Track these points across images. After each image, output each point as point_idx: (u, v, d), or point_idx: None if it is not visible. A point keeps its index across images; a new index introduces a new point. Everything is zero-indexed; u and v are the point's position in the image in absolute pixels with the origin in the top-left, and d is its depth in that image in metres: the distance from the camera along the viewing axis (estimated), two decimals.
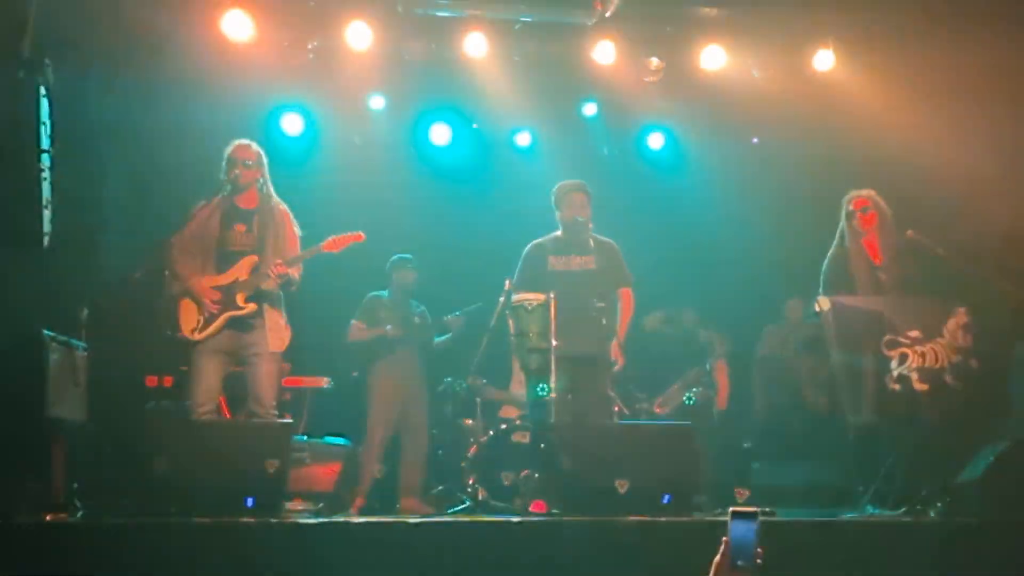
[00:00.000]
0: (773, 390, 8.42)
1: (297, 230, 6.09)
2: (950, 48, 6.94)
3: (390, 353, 7.46)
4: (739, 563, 2.67)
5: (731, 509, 2.71)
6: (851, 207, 6.20)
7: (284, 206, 6.09)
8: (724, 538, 2.69)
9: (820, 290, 6.13)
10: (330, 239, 5.99)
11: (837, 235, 6.26)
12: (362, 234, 6.06)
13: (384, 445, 7.35)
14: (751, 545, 2.67)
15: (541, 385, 5.51)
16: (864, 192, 6.22)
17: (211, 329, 5.81)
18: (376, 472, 7.32)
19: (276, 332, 5.92)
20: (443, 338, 7.86)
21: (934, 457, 5.68)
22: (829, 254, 6.26)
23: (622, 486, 5.10)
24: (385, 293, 7.70)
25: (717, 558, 2.69)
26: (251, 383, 5.87)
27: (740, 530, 2.68)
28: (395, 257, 7.69)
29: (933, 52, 7.04)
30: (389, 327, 7.45)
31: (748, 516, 2.69)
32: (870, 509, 5.74)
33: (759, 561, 2.67)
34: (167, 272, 5.73)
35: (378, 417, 7.33)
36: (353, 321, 7.58)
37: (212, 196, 5.97)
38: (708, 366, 8.28)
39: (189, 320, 5.83)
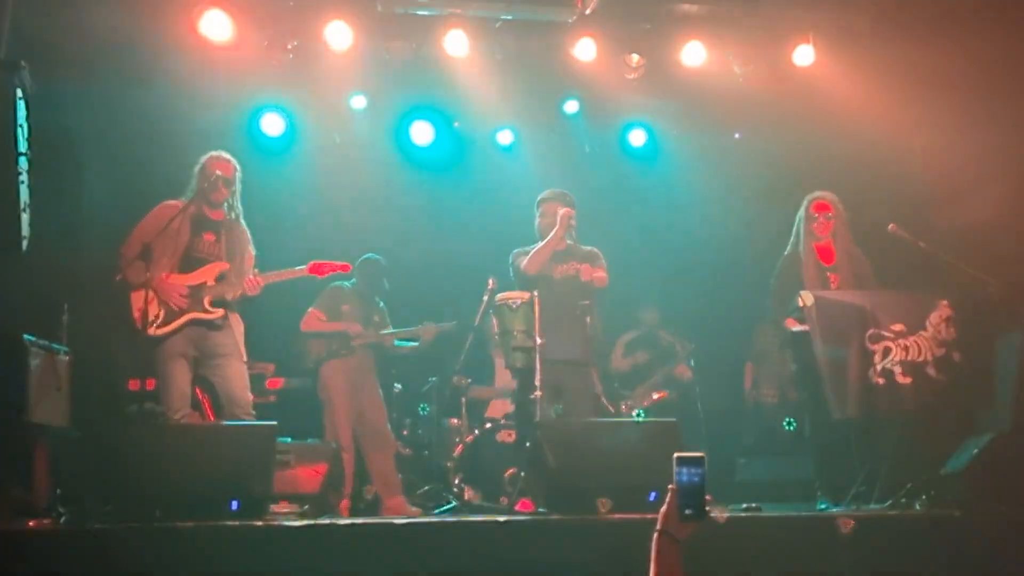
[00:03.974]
0: (762, 386, 8.45)
1: (253, 250, 6.09)
2: (929, 42, 6.96)
3: (348, 352, 7.22)
4: (687, 512, 2.55)
5: (676, 455, 2.58)
6: (812, 211, 6.23)
7: (244, 225, 6.08)
8: (671, 486, 2.58)
9: (770, 289, 6.18)
10: (314, 264, 6.02)
11: (793, 234, 6.30)
12: (349, 265, 6.18)
13: (355, 442, 7.23)
14: (699, 492, 2.55)
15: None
16: (826, 196, 6.26)
17: (172, 327, 5.74)
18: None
19: (241, 338, 5.91)
20: (408, 344, 7.57)
21: (918, 450, 5.71)
22: (784, 253, 6.32)
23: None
24: (348, 284, 7.45)
25: (664, 508, 2.57)
26: (225, 384, 5.83)
27: (686, 476, 2.56)
28: (367, 256, 7.46)
29: (913, 47, 7.06)
30: (357, 328, 7.23)
31: (694, 461, 2.57)
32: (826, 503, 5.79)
33: (708, 509, 2.57)
34: (122, 264, 5.64)
35: (341, 415, 7.12)
36: (311, 309, 7.28)
37: (179, 196, 5.94)
38: (671, 368, 8.31)
39: (144, 313, 5.64)
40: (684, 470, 2.57)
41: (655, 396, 8.16)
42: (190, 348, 5.80)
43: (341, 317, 7.30)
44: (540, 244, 6.31)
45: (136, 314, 5.69)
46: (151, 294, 5.65)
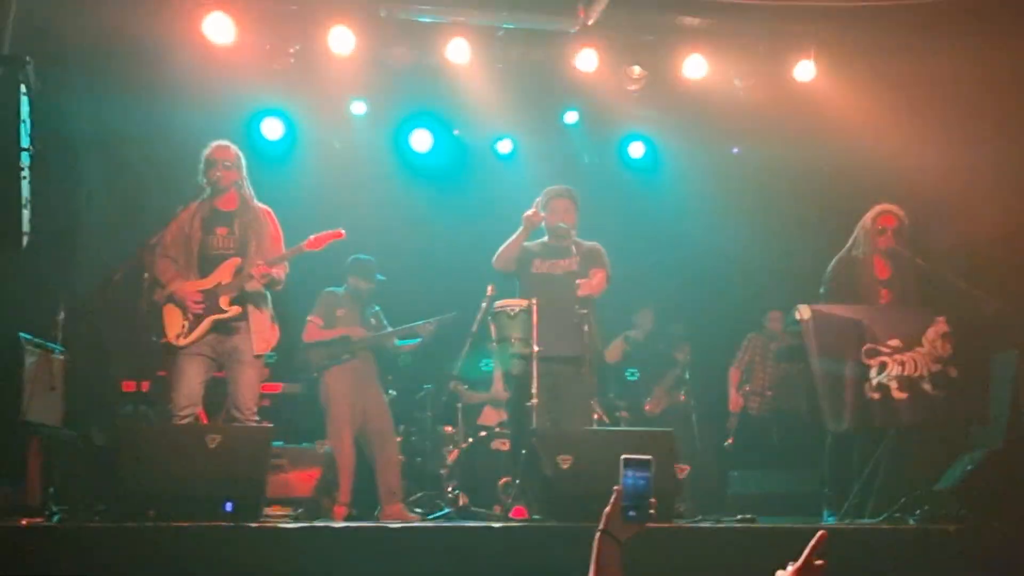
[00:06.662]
0: (749, 397, 8.44)
1: (279, 229, 6.06)
2: (929, 58, 7.00)
3: (350, 357, 7.16)
4: (631, 514, 2.52)
5: (623, 456, 2.54)
6: (879, 224, 6.12)
7: (265, 206, 6.06)
8: (616, 487, 2.56)
9: (822, 290, 6.15)
10: (311, 238, 5.98)
11: (851, 239, 6.22)
12: (342, 231, 6.05)
13: (355, 447, 7.20)
14: (644, 495, 2.53)
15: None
16: (895, 210, 6.14)
17: (196, 334, 5.75)
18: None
19: (261, 334, 5.86)
20: (411, 343, 7.52)
21: (913, 465, 5.72)
22: (838, 256, 6.24)
23: None
24: (340, 289, 7.38)
25: (608, 508, 2.55)
26: (232, 388, 5.83)
27: (631, 479, 2.53)
28: (356, 256, 7.36)
29: (913, 62, 7.10)
30: (359, 332, 7.18)
31: (641, 464, 2.54)
32: (834, 516, 5.78)
33: (652, 512, 2.54)
34: (146, 276, 5.66)
35: (342, 421, 7.04)
36: (309, 317, 7.21)
37: (192, 200, 5.91)
38: (687, 374, 8.31)
39: (174, 326, 5.76)
40: (630, 472, 2.54)
41: (681, 398, 8.25)
42: (207, 349, 5.79)
43: (337, 322, 7.24)
44: (508, 241, 6.33)
45: (167, 327, 5.75)
46: (175, 306, 5.75)
